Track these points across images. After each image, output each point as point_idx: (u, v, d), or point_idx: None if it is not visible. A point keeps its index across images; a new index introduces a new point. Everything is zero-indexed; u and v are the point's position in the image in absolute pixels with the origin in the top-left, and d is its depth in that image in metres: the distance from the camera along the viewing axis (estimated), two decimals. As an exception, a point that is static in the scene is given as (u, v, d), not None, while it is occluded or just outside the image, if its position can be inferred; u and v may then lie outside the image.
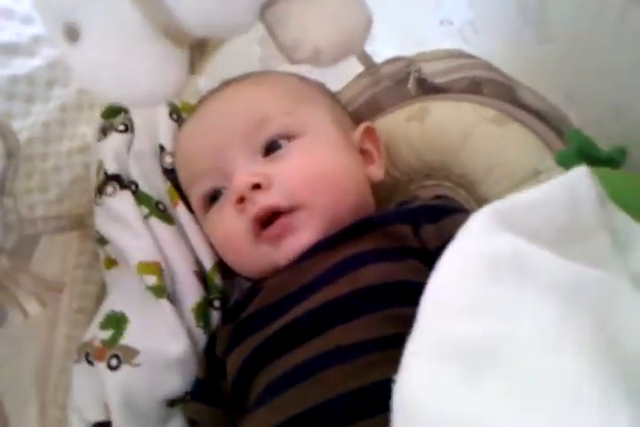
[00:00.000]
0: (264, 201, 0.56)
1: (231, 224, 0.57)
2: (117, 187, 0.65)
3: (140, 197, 0.65)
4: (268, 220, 0.56)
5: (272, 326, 0.51)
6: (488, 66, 0.65)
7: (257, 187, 0.56)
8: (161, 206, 0.65)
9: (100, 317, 0.63)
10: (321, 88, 0.67)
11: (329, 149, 0.59)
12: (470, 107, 0.63)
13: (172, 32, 0.39)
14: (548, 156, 0.58)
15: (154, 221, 0.64)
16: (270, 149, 0.58)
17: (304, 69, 0.64)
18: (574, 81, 0.62)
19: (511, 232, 0.35)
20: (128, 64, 0.40)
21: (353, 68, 0.69)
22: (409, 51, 0.68)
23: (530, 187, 0.50)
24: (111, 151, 0.66)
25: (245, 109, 0.60)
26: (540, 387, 0.28)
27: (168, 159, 0.66)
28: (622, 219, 0.37)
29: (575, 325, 0.30)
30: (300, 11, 0.39)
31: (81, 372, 0.61)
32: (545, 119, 0.61)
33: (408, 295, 0.39)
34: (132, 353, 0.59)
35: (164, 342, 0.59)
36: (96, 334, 0.61)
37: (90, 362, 0.61)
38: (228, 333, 0.57)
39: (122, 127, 0.67)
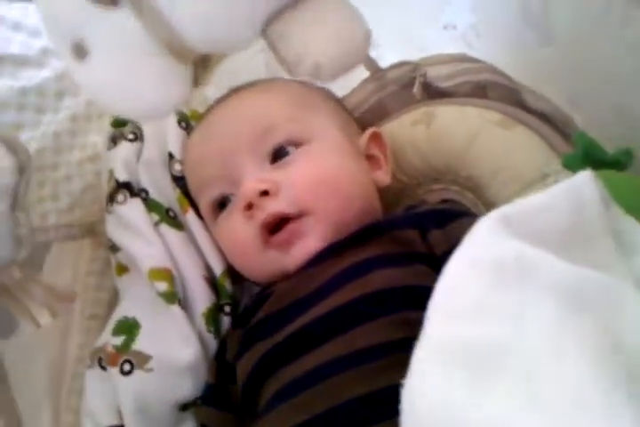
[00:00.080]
0: (272, 207, 0.56)
1: (240, 230, 0.58)
2: (128, 195, 0.66)
3: (151, 205, 0.66)
4: (276, 226, 0.57)
5: (281, 333, 0.52)
6: (493, 69, 0.65)
7: (265, 193, 0.56)
8: (171, 213, 0.66)
9: (112, 323, 0.64)
10: (327, 94, 0.68)
11: (335, 156, 0.60)
12: (476, 110, 0.63)
13: (175, 48, 0.40)
14: (554, 158, 0.58)
15: (164, 227, 0.65)
16: (278, 155, 0.59)
17: (310, 75, 0.64)
18: (577, 84, 0.63)
19: (516, 237, 0.35)
20: (132, 80, 0.41)
21: (358, 73, 0.70)
22: (413, 55, 0.68)
23: (536, 190, 0.50)
24: (121, 160, 0.67)
25: (252, 117, 0.60)
26: (544, 390, 0.28)
27: (177, 167, 0.67)
28: (627, 222, 0.37)
29: (578, 328, 0.30)
30: (301, 27, 0.39)
31: (94, 377, 0.62)
32: (550, 122, 0.61)
33: (416, 300, 0.40)
34: (144, 358, 0.59)
35: (176, 347, 0.59)
36: (108, 339, 0.62)
37: (103, 367, 0.61)
38: (238, 338, 0.58)
39: (131, 136, 0.68)
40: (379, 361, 0.46)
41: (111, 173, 0.67)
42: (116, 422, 0.60)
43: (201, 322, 0.61)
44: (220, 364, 0.59)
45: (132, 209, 0.65)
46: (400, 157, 0.66)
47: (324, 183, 0.57)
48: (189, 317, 0.61)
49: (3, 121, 0.64)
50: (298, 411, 0.46)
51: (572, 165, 0.52)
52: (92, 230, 0.72)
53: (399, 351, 0.39)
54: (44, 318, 0.58)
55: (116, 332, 0.62)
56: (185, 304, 0.62)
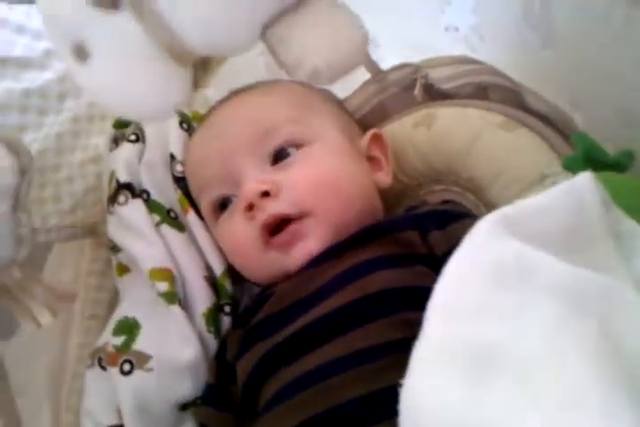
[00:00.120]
0: (273, 208, 0.56)
1: (241, 231, 0.58)
2: (129, 196, 0.66)
3: (152, 206, 0.66)
4: (276, 227, 0.57)
5: (282, 333, 0.52)
6: (494, 71, 0.65)
7: (266, 194, 0.56)
8: (172, 214, 0.66)
9: (112, 323, 0.64)
10: (328, 96, 0.68)
11: (336, 157, 0.60)
12: (477, 112, 0.63)
13: (175, 51, 0.40)
14: (555, 160, 0.58)
15: (165, 228, 0.65)
16: (278, 157, 0.59)
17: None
18: (579, 86, 0.62)
19: (516, 238, 0.35)
20: (133, 82, 0.42)
21: (360, 75, 0.70)
22: (415, 57, 0.68)
23: (538, 192, 0.50)
24: (123, 161, 0.67)
25: (253, 118, 0.60)
26: (544, 391, 0.28)
27: (179, 168, 0.67)
28: (627, 224, 0.37)
29: (578, 329, 0.30)
30: (300, 31, 0.40)
31: (94, 377, 0.62)
32: (552, 124, 0.61)
33: (416, 301, 0.40)
34: (144, 358, 0.59)
35: (176, 347, 0.60)
36: (109, 339, 0.62)
37: (103, 367, 0.62)
38: (238, 338, 0.58)
39: (133, 137, 0.69)
40: (379, 362, 0.46)
41: (112, 174, 0.67)
42: (115, 421, 0.60)
43: (201, 322, 0.61)
44: (220, 364, 0.59)
45: (134, 210, 0.65)
46: (401, 158, 0.66)
47: (324, 184, 0.57)
48: (189, 317, 0.61)
49: (6, 123, 0.64)
50: (297, 411, 0.46)
51: (572, 167, 0.52)
52: (94, 231, 0.72)
53: (399, 352, 0.39)
54: (45, 318, 0.58)
55: (117, 332, 0.62)
56: (185, 304, 0.62)
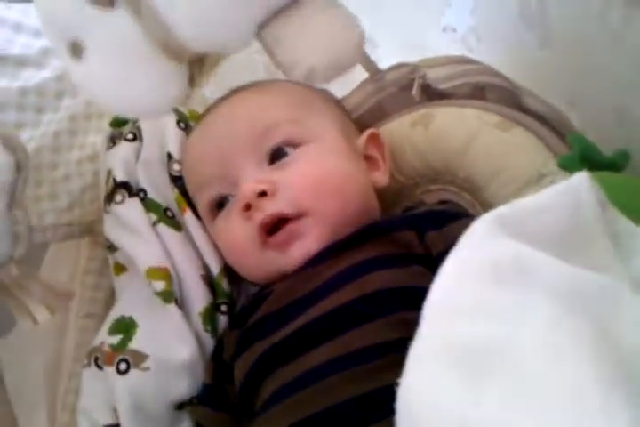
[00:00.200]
0: (270, 208, 0.56)
1: (238, 231, 0.58)
2: (126, 194, 0.66)
3: (149, 205, 0.66)
4: (273, 226, 0.57)
5: (280, 333, 0.52)
6: (492, 71, 0.65)
7: (263, 194, 0.56)
8: (169, 213, 0.66)
9: (109, 322, 0.64)
10: (326, 95, 0.68)
11: (334, 156, 0.60)
12: (474, 112, 0.63)
13: (171, 48, 0.40)
14: (551, 159, 0.58)
15: (162, 227, 0.65)
16: (276, 156, 0.59)
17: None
18: (576, 86, 0.63)
19: (513, 237, 0.35)
20: (129, 80, 0.42)
21: (357, 74, 0.70)
22: (412, 57, 0.69)
23: (534, 191, 0.50)
24: (120, 160, 0.67)
25: (251, 117, 0.60)
26: (542, 390, 0.28)
27: (176, 167, 0.67)
28: (623, 223, 0.37)
29: (576, 328, 0.30)
30: (295, 31, 0.40)
31: (90, 376, 0.62)
32: (549, 124, 0.61)
33: (413, 301, 0.40)
34: (140, 357, 0.59)
35: (173, 346, 0.60)
36: (105, 338, 0.62)
37: (99, 366, 0.62)
38: (235, 338, 0.58)
39: (130, 136, 0.68)
40: (376, 362, 0.46)
41: (109, 172, 0.67)
42: (112, 421, 0.60)
43: (198, 321, 0.61)
44: (217, 364, 0.59)
45: (130, 209, 0.65)
46: (398, 158, 0.66)
47: (322, 184, 0.57)
48: (186, 316, 0.61)
49: (3, 121, 0.64)
50: (294, 411, 0.46)
51: (568, 166, 0.52)
52: (91, 230, 0.72)
53: (396, 352, 0.39)
54: (42, 316, 0.58)
55: (113, 331, 0.62)
56: (182, 303, 0.62)
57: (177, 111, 0.70)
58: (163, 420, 0.59)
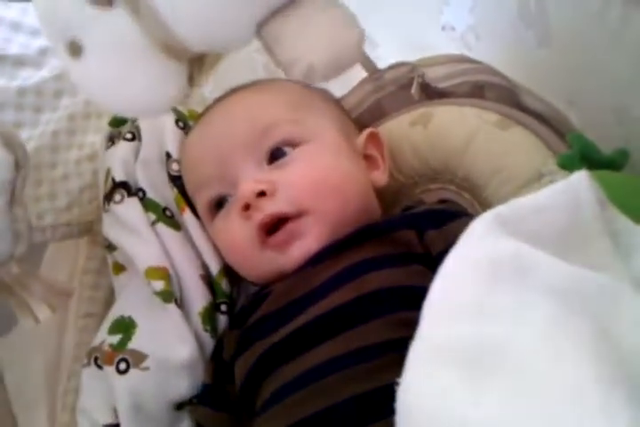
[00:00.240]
0: (269, 208, 0.56)
1: (237, 231, 0.58)
2: (125, 194, 0.66)
3: (148, 204, 0.66)
4: (273, 226, 0.57)
5: (280, 332, 0.52)
6: (491, 70, 0.65)
7: (262, 194, 0.56)
8: (168, 213, 0.66)
9: (108, 322, 0.64)
10: (325, 94, 0.68)
11: (333, 156, 0.60)
12: (473, 111, 0.63)
13: (170, 47, 0.40)
14: (551, 158, 0.58)
15: (161, 227, 0.65)
16: (275, 156, 0.59)
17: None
18: (575, 85, 0.63)
19: (512, 236, 0.35)
20: (127, 79, 0.41)
21: (357, 74, 0.70)
22: (411, 56, 0.69)
23: (533, 190, 0.50)
24: (119, 159, 0.67)
25: (250, 117, 0.60)
26: (542, 390, 0.28)
27: (175, 166, 0.67)
28: (623, 222, 0.37)
29: (576, 327, 0.30)
30: (295, 30, 0.40)
31: (90, 376, 0.62)
32: (548, 122, 0.61)
33: (412, 300, 0.40)
34: (140, 357, 0.59)
35: (172, 346, 0.60)
36: (105, 338, 0.62)
37: (99, 366, 0.62)
38: (235, 338, 0.58)
39: (129, 135, 0.68)
40: (375, 361, 0.46)
41: (108, 172, 0.67)
42: (111, 420, 0.60)
43: (197, 321, 0.61)
44: (217, 363, 0.59)
45: (129, 208, 0.65)
46: (398, 157, 0.66)
47: (321, 183, 0.57)
48: (186, 315, 0.61)
49: (1, 120, 0.64)
50: (294, 410, 0.46)
51: (567, 165, 0.52)
52: (90, 229, 0.72)
53: (396, 351, 0.39)
54: (43, 314, 0.58)
55: (113, 331, 0.62)
56: (181, 303, 0.62)
57: (176, 111, 0.70)
58: (162, 420, 0.59)
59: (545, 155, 0.58)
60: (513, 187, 0.58)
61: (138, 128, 0.69)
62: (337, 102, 0.70)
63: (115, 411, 0.59)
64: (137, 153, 0.68)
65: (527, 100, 0.62)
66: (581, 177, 0.37)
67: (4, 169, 0.52)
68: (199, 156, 0.63)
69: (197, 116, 0.68)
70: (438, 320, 0.33)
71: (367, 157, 0.64)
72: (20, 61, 0.66)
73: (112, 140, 0.69)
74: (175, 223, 0.66)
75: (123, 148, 0.68)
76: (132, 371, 0.59)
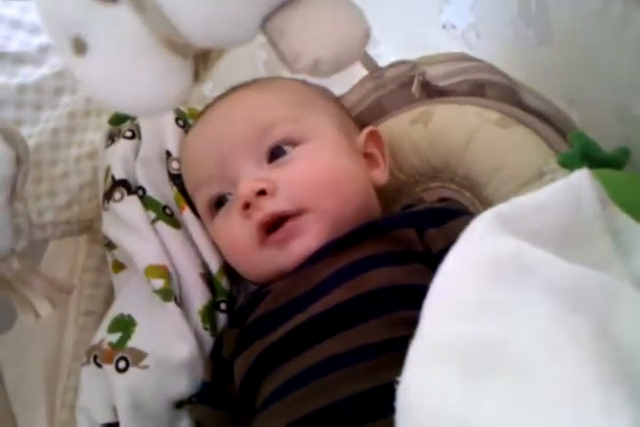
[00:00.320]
0: (269, 207, 0.56)
1: (237, 230, 0.58)
2: (125, 192, 0.66)
3: (148, 202, 0.66)
4: (273, 225, 0.57)
5: (279, 331, 0.52)
6: (491, 68, 0.65)
7: (262, 193, 0.56)
8: (168, 211, 0.66)
9: (108, 320, 0.64)
10: (325, 93, 0.68)
11: (333, 154, 0.60)
12: (474, 109, 0.63)
13: (175, 43, 0.40)
14: (552, 157, 0.58)
15: (161, 225, 0.65)
16: (275, 155, 0.59)
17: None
18: (576, 84, 0.62)
19: (513, 235, 0.35)
20: (132, 75, 0.41)
21: (357, 72, 0.70)
22: (412, 54, 0.68)
23: (534, 189, 0.50)
24: (119, 157, 0.67)
25: (250, 116, 0.60)
26: (543, 389, 0.28)
27: (174, 165, 0.67)
28: (624, 220, 0.37)
29: (576, 326, 0.30)
30: (301, 24, 0.40)
31: (89, 374, 0.62)
32: (548, 121, 0.61)
33: (413, 299, 0.40)
34: (139, 356, 0.59)
35: (172, 344, 0.60)
36: (104, 336, 0.62)
37: (98, 364, 0.61)
38: (234, 337, 0.58)
39: (129, 133, 0.68)
40: (375, 360, 0.46)
41: (108, 170, 0.67)
42: (111, 419, 0.60)
43: (197, 319, 0.61)
44: (216, 362, 0.59)
45: (129, 206, 0.65)
46: (398, 155, 0.66)
47: (322, 181, 0.57)
48: (185, 314, 0.61)
49: (1, 118, 0.64)
50: (294, 408, 0.46)
51: (568, 164, 0.52)
52: (90, 227, 0.72)
53: (396, 350, 0.39)
54: (45, 309, 0.58)
55: (112, 329, 0.62)
56: (181, 301, 0.62)
57: (176, 109, 0.69)
58: (162, 418, 0.59)
59: (546, 153, 0.58)
60: (514, 185, 0.58)
61: (138, 126, 0.69)
62: (337, 100, 0.69)
63: (114, 409, 0.59)
64: (137, 151, 0.68)
65: (528, 98, 0.62)
66: (582, 176, 0.37)
67: (5, 164, 0.52)
68: (199, 154, 0.63)
69: (197, 115, 0.68)
70: (439, 319, 0.33)
71: (367, 156, 0.64)
72: (20, 59, 0.65)
73: (112, 138, 0.69)
74: (175, 222, 0.66)
75: (123, 146, 0.68)
76: (132, 369, 0.59)
